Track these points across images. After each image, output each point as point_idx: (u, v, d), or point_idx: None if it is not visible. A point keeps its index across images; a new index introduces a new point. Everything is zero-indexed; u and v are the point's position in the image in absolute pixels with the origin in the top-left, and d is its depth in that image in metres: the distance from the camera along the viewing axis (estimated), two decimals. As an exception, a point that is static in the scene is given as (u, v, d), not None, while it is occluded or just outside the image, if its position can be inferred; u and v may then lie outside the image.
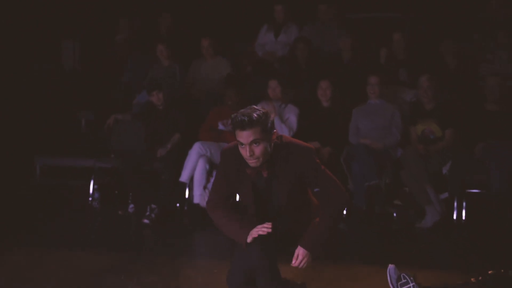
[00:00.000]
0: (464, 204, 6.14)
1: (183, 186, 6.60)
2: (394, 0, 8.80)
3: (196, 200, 6.50)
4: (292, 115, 6.86)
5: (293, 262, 3.52)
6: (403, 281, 3.95)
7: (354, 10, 8.94)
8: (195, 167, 6.55)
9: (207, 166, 6.54)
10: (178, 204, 6.75)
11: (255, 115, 3.41)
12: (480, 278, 4.04)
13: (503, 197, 6.02)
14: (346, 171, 6.44)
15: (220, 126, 6.87)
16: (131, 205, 6.83)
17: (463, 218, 6.14)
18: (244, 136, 3.42)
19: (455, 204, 6.17)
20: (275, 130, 3.53)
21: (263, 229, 3.45)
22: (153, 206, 6.50)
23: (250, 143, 3.42)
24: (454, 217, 6.15)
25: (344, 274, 4.81)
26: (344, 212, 6.06)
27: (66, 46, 9.34)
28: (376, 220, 6.30)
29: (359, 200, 6.30)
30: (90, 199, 7.06)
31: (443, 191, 6.29)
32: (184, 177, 6.59)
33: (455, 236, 5.95)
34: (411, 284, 3.94)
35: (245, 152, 3.45)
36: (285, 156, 3.54)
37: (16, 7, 8.70)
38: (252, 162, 3.49)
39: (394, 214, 6.33)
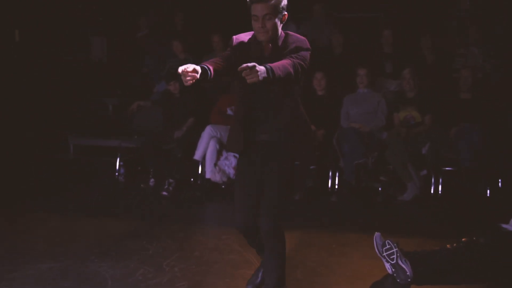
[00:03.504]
0: (440, 180, 6.14)
1: (196, 163, 6.58)
2: (378, 1, 8.67)
3: (208, 175, 6.49)
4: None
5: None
6: (388, 247, 3.89)
7: (344, 10, 8.85)
8: (207, 147, 6.52)
9: (218, 146, 6.52)
10: (192, 179, 6.74)
11: None
12: (454, 244, 3.98)
13: (473, 173, 6.03)
14: (337, 151, 6.42)
15: (229, 111, 6.82)
16: (152, 180, 6.81)
17: (439, 192, 6.13)
18: (259, 9, 3.26)
19: (433, 180, 6.16)
20: (285, 13, 3.36)
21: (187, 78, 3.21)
22: (170, 180, 6.50)
23: (263, 16, 3.27)
24: (432, 191, 6.14)
25: (335, 240, 4.82)
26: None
27: (95, 42, 9.32)
28: (363, 194, 6.29)
29: (349, 176, 6.28)
30: (116, 174, 7.04)
31: (422, 169, 6.29)
32: (197, 155, 6.56)
33: (432, 207, 5.95)
34: (394, 250, 3.87)
35: (257, 24, 3.28)
36: (287, 41, 3.37)
37: (53, 9, 8.68)
38: (261, 34, 3.31)
39: (379, 189, 6.33)
